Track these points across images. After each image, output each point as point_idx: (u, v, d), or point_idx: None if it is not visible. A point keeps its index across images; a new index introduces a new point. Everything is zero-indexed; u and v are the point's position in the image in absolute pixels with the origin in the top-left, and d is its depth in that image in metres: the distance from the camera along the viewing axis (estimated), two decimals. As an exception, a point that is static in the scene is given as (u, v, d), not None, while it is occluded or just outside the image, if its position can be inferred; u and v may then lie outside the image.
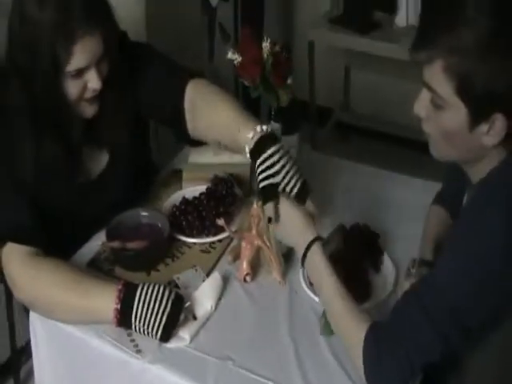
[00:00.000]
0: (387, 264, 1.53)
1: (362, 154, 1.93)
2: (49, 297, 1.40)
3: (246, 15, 2.96)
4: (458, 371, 1.29)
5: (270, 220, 1.37)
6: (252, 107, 3.08)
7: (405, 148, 3.17)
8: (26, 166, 1.46)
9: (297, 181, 1.41)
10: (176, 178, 1.75)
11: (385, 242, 1.58)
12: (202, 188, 1.67)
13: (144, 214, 1.60)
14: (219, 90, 1.57)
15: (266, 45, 1.45)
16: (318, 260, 1.32)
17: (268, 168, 1.39)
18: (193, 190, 1.70)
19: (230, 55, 1.48)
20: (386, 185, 1.78)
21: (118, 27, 1.51)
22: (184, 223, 1.61)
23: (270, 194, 1.39)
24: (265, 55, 1.44)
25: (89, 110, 1.52)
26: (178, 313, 1.35)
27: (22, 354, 2.18)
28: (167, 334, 1.34)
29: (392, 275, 1.49)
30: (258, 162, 1.39)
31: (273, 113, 1.45)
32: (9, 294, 2.00)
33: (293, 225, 1.37)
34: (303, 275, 1.48)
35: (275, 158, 1.39)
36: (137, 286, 1.35)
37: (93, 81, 1.44)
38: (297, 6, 3.48)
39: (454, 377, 1.31)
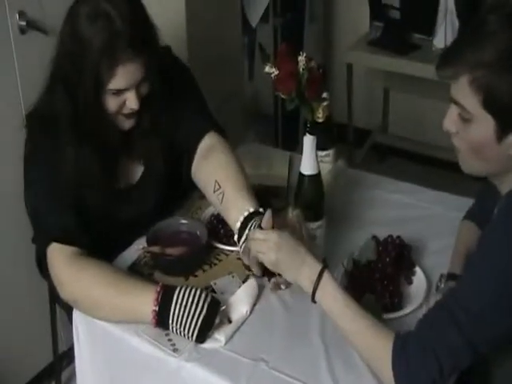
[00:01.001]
0: (419, 276, 1.55)
1: (398, 175, 1.97)
2: (90, 295, 1.46)
3: (286, 37, 3.02)
4: (486, 375, 1.31)
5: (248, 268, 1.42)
6: (291, 125, 3.17)
7: (442, 170, 3.17)
8: (68, 169, 1.54)
9: None
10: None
11: (417, 254, 1.61)
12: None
13: (183, 221, 1.66)
14: (228, 159, 1.64)
15: (301, 58, 1.50)
16: (333, 288, 1.31)
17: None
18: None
19: (267, 69, 1.54)
20: (420, 200, 1.81)
21: (160, 53, 1.58)
22: (222, 232, 1.67)
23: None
24: (300, 69, 1.50)
25: (126, 124, 1.60)
26: (213, 316, 1.39)
27: (63, 358, 2.25)
28: (203, 336, 1.39)
29: (423, 287, 1.51)
30: (244, 236, 1.48)
31: (308, 126, 1.50)
32: (52, 300, 2.08)
33: (290, 259, 1.35)
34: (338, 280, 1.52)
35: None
36: (174, 289, 1.40)
37: (131, 101, 1.52)
38: (335, 29, 3.54)
39: (481, 380, 1.33)
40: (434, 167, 3.28)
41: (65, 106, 1.52)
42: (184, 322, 1.37)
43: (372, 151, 3.51)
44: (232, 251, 1.64)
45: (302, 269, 1.33)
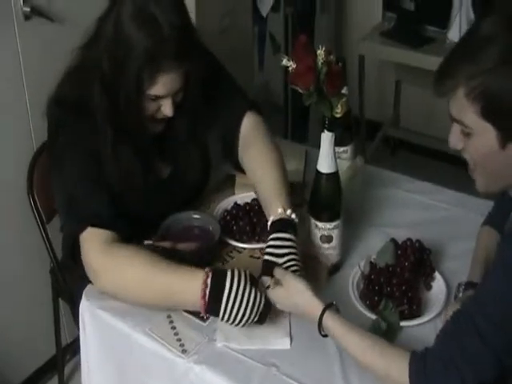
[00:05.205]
0: (439, 282, 1.49)
1: (409, 170, 1.93)
2: (130, 281, 1.40)
3: (297, 27, 2.96)
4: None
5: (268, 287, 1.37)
6: (301, 117, 3.12)
7: (453, 165, 3.13)
8: (108, 161, 1.50)
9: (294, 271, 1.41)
10: (229, 183, 1.77)
11: (437, 259, 1.56)
12: (254, 194, 1.67)
13: (196, 216, 1.62)
14: (263, 152, 1.62)
15: (320, 52, 1.43)
16: (333, 326, 1.28)
17: (276, 247, 1.42)
18: (245, 195, 1.71)
19: (284, 62, 1.47)
20: (439, 201, 1.76)
21: (202, 60, 1.53)
22: (235, 228, 1.62)
23: (269, 269, 1.39)
24: (319, 63, 1.44)
25: (156, 128, 1.58)
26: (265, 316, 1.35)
27: (66, 351, 2.23)
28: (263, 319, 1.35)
29: (443, 294, 1.46)
30: (272, 236, 1.44)
31: (326, 122, 1.44)
32: (55, 294, 2.05)
33: (297, 296, 1.35)
34: (352, 287, 1.47)
35: (286, 243, 1.43)
36: (225, 275, 1.34)
37: (166, 108, 1.50)
38: (347, 19, 3.48)
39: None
40: (447, 163, 3.22)
41: (102, 101, 1.47)
42: (238, 311, 1.32)
43: (384, 145, 3.47)
44: (245, 248, 1.60)
45: (306, 317, 1.34)
